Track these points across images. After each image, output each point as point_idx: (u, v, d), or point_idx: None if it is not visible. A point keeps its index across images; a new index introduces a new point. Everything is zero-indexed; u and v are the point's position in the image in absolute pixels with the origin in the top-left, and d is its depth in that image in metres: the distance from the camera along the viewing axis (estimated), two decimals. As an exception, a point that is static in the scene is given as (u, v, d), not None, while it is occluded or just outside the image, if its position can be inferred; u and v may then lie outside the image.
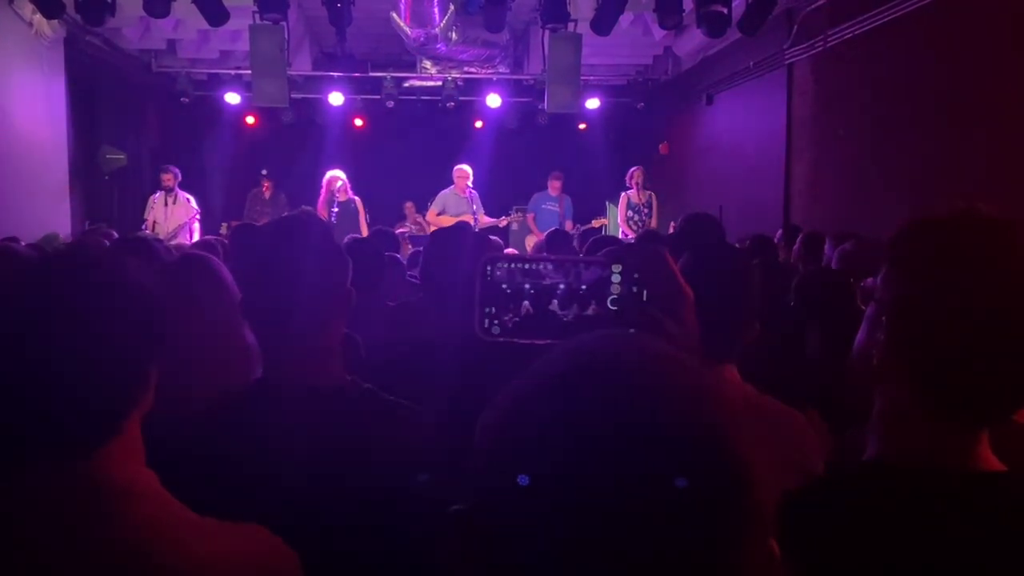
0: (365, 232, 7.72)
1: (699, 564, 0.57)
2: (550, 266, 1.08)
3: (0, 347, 0.98)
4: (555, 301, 1.08)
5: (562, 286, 1.08)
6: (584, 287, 1.07)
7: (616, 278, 1.06)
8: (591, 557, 0.56)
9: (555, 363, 0.65)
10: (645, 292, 1.05)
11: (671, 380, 0.62)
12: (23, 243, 4.40)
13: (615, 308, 1.05)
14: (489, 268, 1.09)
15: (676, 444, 0.58)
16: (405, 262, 4.82)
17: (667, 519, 0.56)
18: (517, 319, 1.08)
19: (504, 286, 1.08)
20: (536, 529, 0.57)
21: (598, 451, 0.57)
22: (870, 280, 1.13)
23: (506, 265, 1.09)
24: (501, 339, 1.08)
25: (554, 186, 9.37)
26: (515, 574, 0.59)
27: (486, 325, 1.08)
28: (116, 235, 6.01)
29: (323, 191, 8.24)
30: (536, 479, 0.58)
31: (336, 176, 8.25)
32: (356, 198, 8.31)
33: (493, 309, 1.08)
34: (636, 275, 1.05)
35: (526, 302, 1.08)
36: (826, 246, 4.73)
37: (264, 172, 9.15)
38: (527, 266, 1.09)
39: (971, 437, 1.02)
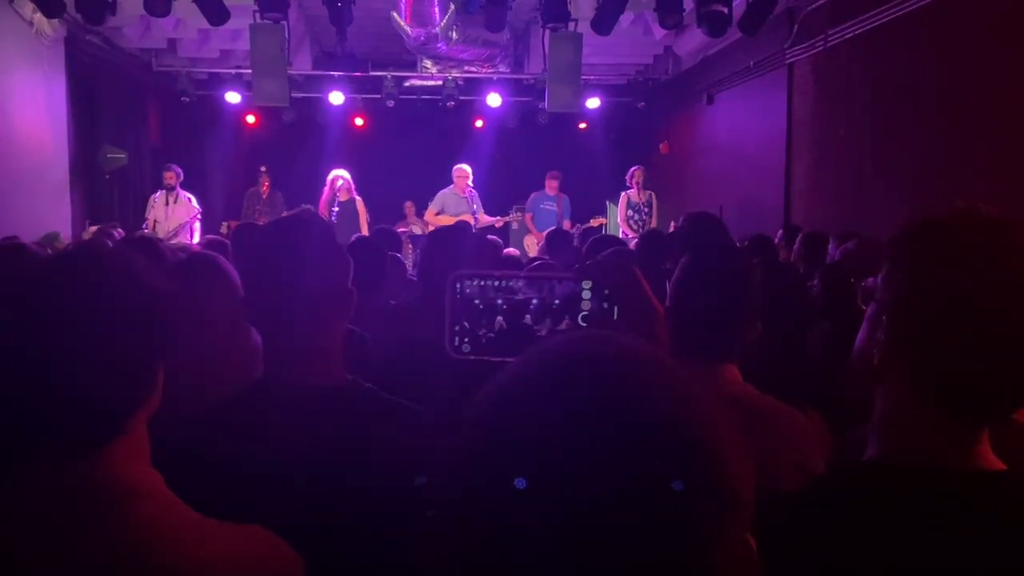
0: (365, 233, 7.72)
1: (675, 559, 0.57)
2: (521, 282, 1.08)
3: (7, 345, 0.98)
4: (527, 316, 1.07)
5: (534, 301, 1.07)
6: (556, 302, 1.07)
7: (587, 294, 1.06)
8: (573, 554, 0.56)
9: (534, 365, 0.65)
10: (616, 308, 1.05)
11: (650, 379, 0.63)
12: (22, 243, 4.39)
13: (586, 324, 1.05)
14: (459, 285, 1.08)
15: (654, 443, 0.59)
16: (408, 261, 4.82)
17: (645, 516, 0.57)
18: (490, 335, 1.07)
19: (476, 302, 1.08)
20: (518, 526, 0.58)
21: (577, 450, 0.58)
22: (871, 280, 1.12)
23: (477, 282, 1.08)
24: (472, 357, 1.07)
25: (551, 185, 9.36)
26: (499, 573, 0.59)
27: (456, 343, 1.08)
28: (123, 233, 6.01)
29: (326, 190, 8.23)
30: (514, 478, 0.58)
31: (338, 175, 8.24)
32: (358, 198, 8.31)
33: (464, 326, 1.07)
34: (606, 291, 1.05)
35: (499, 318, 1.07)
36: (830, 246, 4.72)
37: (263, 169, 9.14)
38: (498, 282, 1.08)
39: (972, 436, 1.02)
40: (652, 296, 1.08)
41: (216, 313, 1.76)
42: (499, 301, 1.08)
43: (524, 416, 0.61)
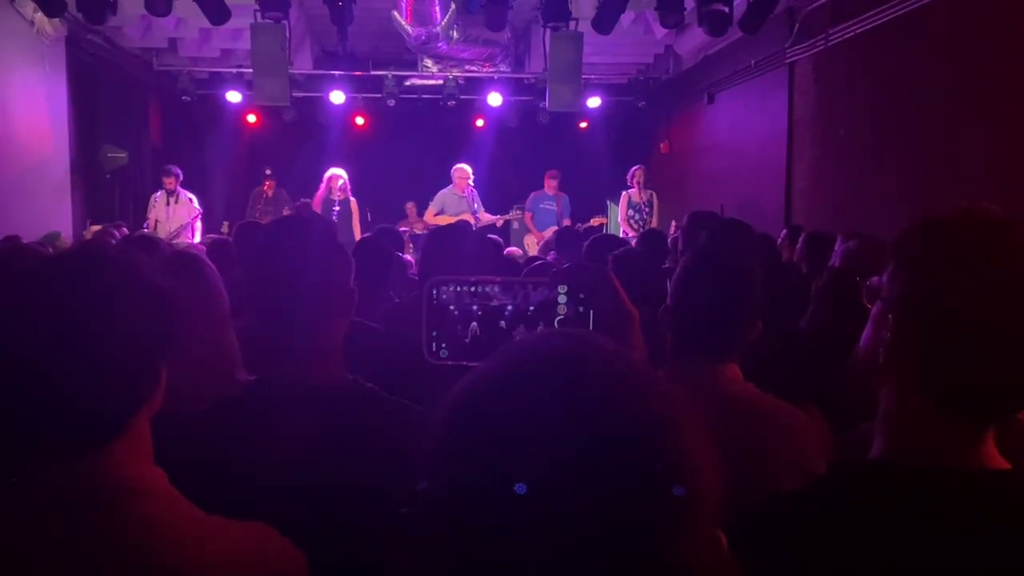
0: (358, 233, 7.75)
1: (643, 558, 0.57)
2: (497, 287, 1.09)
3: (12, 344, 0.98)
4: (502, 322, 1.08)
5: (509, 307, 1.08)
6: (531, 308, 1.08)
7: (562, 299, 1.07)
8: (532, 547, 0.57)
9: (504, 365, 0.66)
10: (591, 312, 1.06)
11: (619, 378, 0.64)
12: (24, 242, 4.39)
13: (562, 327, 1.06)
14: (435, 291, 1.10)
15: (622, 442, 0.59)
16: (411, 259, 4.85)
17: (615, 515, 0.57)
18: (465, 341, 1.09)
19: (451, 308, 1.09)
20: (490, 526, 0.58)
21: (542, 449, 0.58)
22: (875, 279, 1.12)
23: (453, 288, 1.09)
24: (450, 362, 1.09)
25: (550, 185, 9.38)
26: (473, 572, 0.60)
27: (434, 348, 1.09)
28: (126, 231, 6.02)
29: (323, 188, 8.23)
30: (483, 478, 0.59)
31: (338, 175, 8.25)
32: (353, 199, 8.32)
33: (441, 331, 1.09)
34: (582, 295, 1.06)
35: (474, 323, 1.09)
36: (837, 245, 4.71)
37: (268, 172, 9.14)
38: (474, 288, 1.09)
39: (976, 436, 1.02)
40: (627, 300, 1.09)
41: (192, 313, 1.75)
42: (474, 307, 1.10)
43: (491, 419, 0.62)
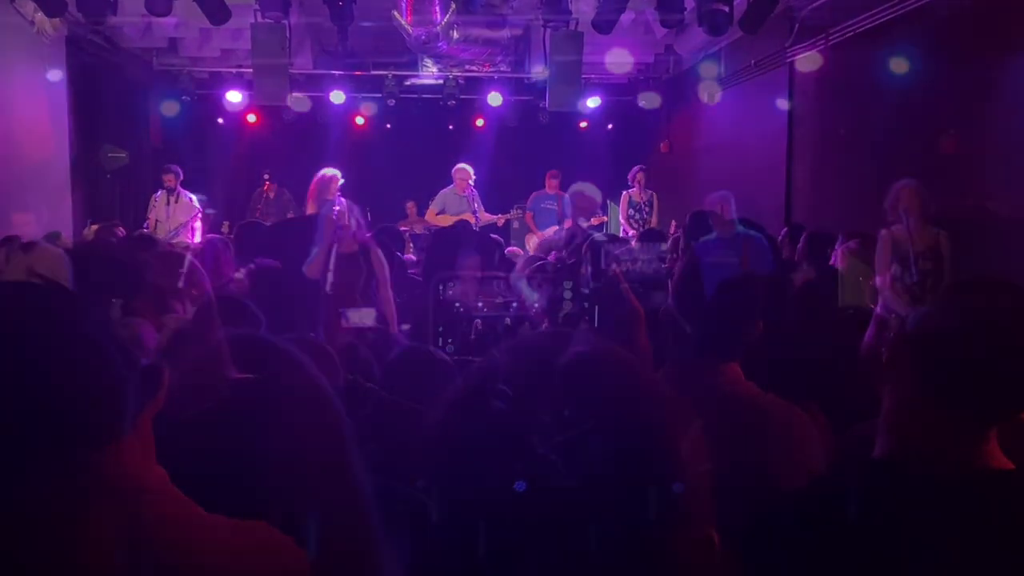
0: None
1: (631, 553, 0.58)
2: (502, 284, 1.09)
3: (12, 343, 0.98)
4: (507, 319, 1.09)
5: (515, 304, 1.08)
6: (537, 305, 1.08)
7: (568, 294, 1.07)
8: (527, 544, 0.57)
9: (502, 364, 0.66)
10: (596, 310, 1.06)
11: (611, 378, 0.64)
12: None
13: (566, 325, 1.06)
14: (441, 287, 1.10)
15: (612, 441, 0.60)
16: (412, 259, 4.86)
17: (607, 511, 0.58)
18: (471, 337, 1.09)
19: (457, 304, 1.09)
20: (464, 525, 0.58)
21: (539, 448, 0.59)
22: (879, 279, 1.13)
23: (459, 284, 1.09)
24: (456, 357, 1.09)
25: (552, 184, 9.43)
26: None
27: (440, 344, 1.09)
28: (124, 232, 6.03)
29: (317, 187, 8.13)
30: (479, 475, 0.59)
31: (339, 176, 8.21)
32: (343, 199, 8.28)
33: (447, 327, 1.09)
34: (587, 292, 1.06)
35: (478, 320, 1.09)
36: (837, 244, 4.72)
37: (266, 176, 9.09)
38: (480, 284, 1.09)
39: (980, 436, 1.02)
40: (633, 299, 1.09)
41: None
42: (480, 303, 1.10)
43: (488, 417, 0.62)
